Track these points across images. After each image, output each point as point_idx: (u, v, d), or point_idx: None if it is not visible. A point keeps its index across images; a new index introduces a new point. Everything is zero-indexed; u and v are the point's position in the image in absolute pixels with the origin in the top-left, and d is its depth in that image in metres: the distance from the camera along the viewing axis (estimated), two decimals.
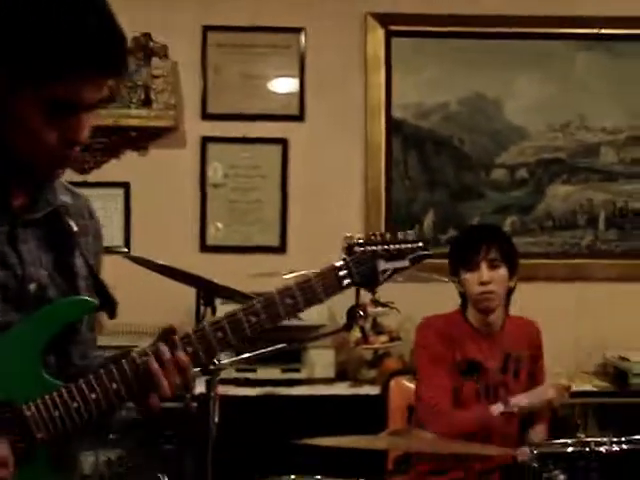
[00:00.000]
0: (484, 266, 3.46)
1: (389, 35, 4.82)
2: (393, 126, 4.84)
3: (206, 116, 4.82)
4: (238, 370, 4.40)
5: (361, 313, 2.64)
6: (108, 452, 4.25)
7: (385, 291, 4.46)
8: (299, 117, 4.84)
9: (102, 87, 1.70)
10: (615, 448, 2.63)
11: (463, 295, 3.56)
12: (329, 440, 2.79)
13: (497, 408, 3.33)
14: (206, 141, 4.81)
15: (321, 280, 1.90)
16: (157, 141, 4.79)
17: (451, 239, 3.71)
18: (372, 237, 1.96)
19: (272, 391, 4.34)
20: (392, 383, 3.85)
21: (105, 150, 4.71)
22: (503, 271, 3.50)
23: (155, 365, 1.76)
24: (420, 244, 1.97)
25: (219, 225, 4.82)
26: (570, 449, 2.67)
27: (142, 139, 4.74)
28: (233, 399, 4.29)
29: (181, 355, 1.78)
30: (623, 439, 2.66)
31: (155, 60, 4.66)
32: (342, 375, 4.60)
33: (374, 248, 1.94)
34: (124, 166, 4.78)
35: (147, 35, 4.69)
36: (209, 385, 2.64)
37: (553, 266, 4.90)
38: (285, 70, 4.83)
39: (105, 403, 1.74)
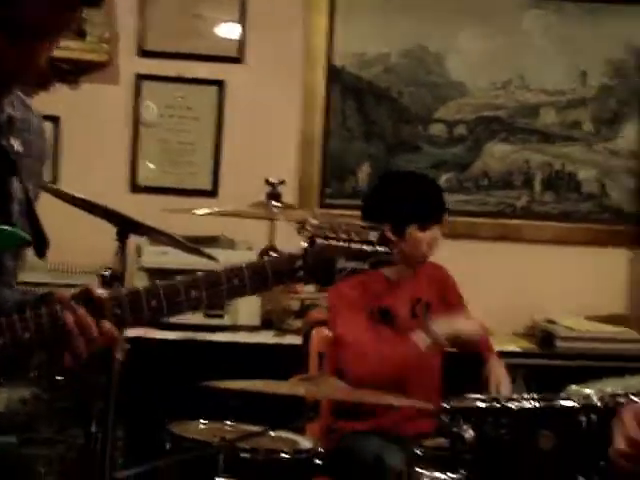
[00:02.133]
0: (437, 227, 3.42)
1: None
2: (333, 74, 4.75)
3: (142, 53, 4.70)
4: None
5: (274, 255, 2.58)
6: (23, 390, 4.17)
7: None
8: (238, 59, 4.73)
9: (61, 15, 1.60)
10: (527, 405, 2.60)
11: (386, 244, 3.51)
12: (237, 383, 2.74)
13: (421, 339, 3.27)
14: (141, 79, 4.69)
15: (274, 266, 1.81)
16: (90, 76, 4.65)
17: (392, 189, 3.52)
18: (337, 230, 1.86)
19: (193, 336, 4.27)
20: (313, 332, 3.79)
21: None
22: None
23: (72, 324, 1.65)
24: (384, 249, 1.89)
25: (150, 166, 4.72)
26: (480, 404, 2.63)
27: (74, 72, 4.60)
28: (153, 342, 4.24)
29: (106, 324, 1.69)
30: (534, 396, 2.62)
31: None
32: (268, 324, 4.54)
33: (337, 244, 1.84)
34: (54, 99, 4.63)
35: None
36: None
37: (487, 225, 4.86)
38: (225, 10, 4.71)
39: (13, 351, 1.64)
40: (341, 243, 1.84)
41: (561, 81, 4.85)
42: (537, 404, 2.60)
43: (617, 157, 4.89)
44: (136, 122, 4.70)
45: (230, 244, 4.52)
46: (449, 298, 3.68)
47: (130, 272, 4.46)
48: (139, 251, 4.37)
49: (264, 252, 2.38)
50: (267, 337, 4.37)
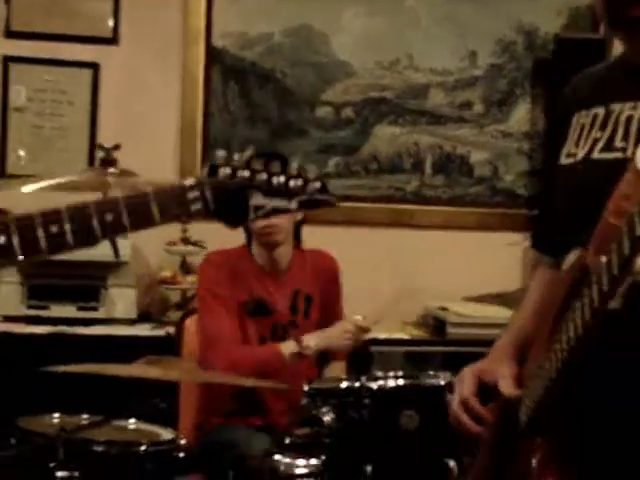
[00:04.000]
0: None
1: None
2: (213, 55, 4.55)
3: (9, 34, 4.44)
4: (29, 307, 4.09)
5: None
6: None
7: (196, 229, 4.19)
8: (112, 40, 4.50)
9: None
10: (389, 384, 2.43)
11: (247, 229, 3.31)
12: (81, 367, 2.53)
13: (288, 347, 3.09)
14: (8, 61, 4.43)
15: (160, 198, 1.47)
16: None
17: None
18: (252, 163, 1.54)
19: (64, 330, 4.03)
20: (187, 322, 3.58)
21: None
22: None
23: None
24: (318, 185, 1.53)
25: (21, 152, 4.46)
26: (339, 385, 2.45)
27: None
28: (19, 337, 4.01)
29: None
30: (398, 374, 2.45)
31: None
32: (146, 317, 4.32)
33: (248, 174, 1.50)
34: None
35: None
36: None
37: (377, 211, 4.69)
38: None
39: None
40: (255, 174, 1.50)
41: (449, 61, 4.71)
42: (399, 382, 2.43)
43: (509, 139, 4.77)
44: (4, 107, 4.44)
45: None
46: (330, 292, 3.47)
47: None
48: None
49: None
50: (143, 330, 4.14)
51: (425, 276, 4.67)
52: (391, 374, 2.44)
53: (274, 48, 4.60)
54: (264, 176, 1.51)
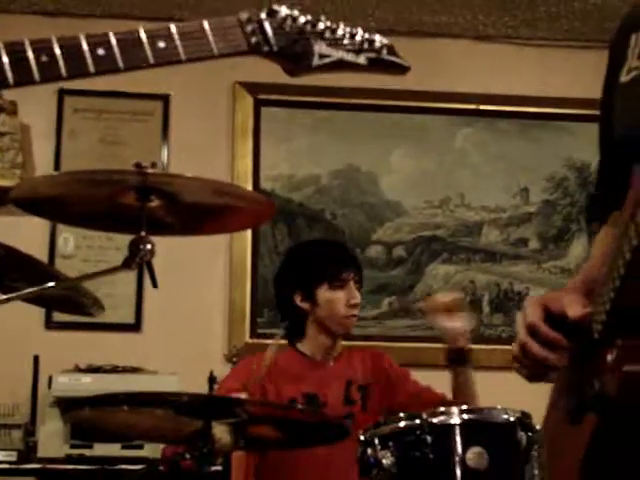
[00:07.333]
0: (353, 286, 3.10)
1: (258, 104, 4.57)
2: None
3: None
4: (72, 446, 3.88)
5: (148, 247, 2.25)
6: None
7: None
8: None
9: None
10: (454, 419, 2.20)
11: (301, 318, 3.14)
12: None
13: None
14: None
15: (216, 30, 1.33)
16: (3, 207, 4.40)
17: (295, 256, 3.32)
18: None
19: (108, 469, 3.80)
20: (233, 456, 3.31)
21: None
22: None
23: None
24: (388, 43, 1.37)
25: None
26: (397, 424, 2.22)
27: None
28: (62, 474, 3.79)
29: None
30: (464, 408, 2.22)
31: (2, 117, 4.33)
32: None
33: (310, 19, 1.34)
34: None
35: None
36: None
37: (433, 352, 4.48)
38: (147, 135, 4.53)
39: None
40: (318, 22, 1.35)
41: (502, 198, 4.64)
42: (466, 417, 2.20)
43: (568, 275, 4.60)
44: (52, 254, 4.40)
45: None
46: (392, 378, 3.26)
47: (42, 407, 4.07)
48: (50, 382, 3.98)
49: None
50: None
51: None
52: (454, 410, 2.21)
53: (322, 189, 4.57)
54: (327, 24, 1.34)
